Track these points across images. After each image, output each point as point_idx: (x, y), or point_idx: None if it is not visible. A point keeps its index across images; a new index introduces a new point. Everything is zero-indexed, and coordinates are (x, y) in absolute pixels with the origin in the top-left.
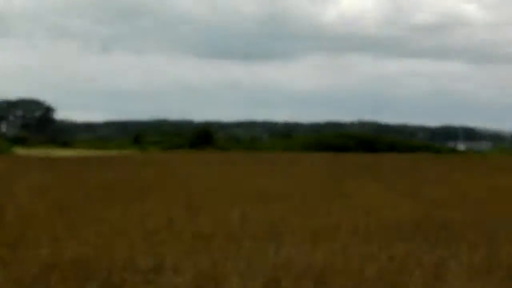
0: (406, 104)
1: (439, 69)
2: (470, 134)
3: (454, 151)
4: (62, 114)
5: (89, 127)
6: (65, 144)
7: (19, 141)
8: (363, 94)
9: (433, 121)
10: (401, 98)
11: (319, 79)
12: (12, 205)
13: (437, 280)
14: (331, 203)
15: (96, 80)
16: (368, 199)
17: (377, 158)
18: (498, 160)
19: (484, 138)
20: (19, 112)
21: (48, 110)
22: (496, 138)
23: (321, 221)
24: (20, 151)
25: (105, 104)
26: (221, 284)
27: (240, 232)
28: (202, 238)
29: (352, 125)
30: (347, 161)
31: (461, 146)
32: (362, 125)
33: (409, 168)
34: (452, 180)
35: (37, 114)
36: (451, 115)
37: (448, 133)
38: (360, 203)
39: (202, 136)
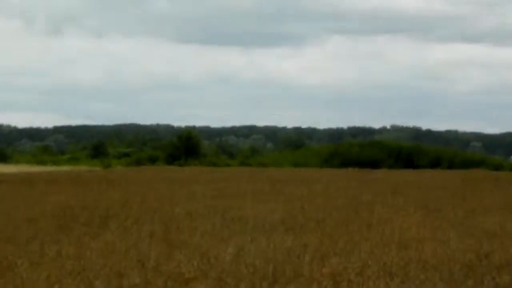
0: (456, 104)
1: (501, 56)
2: None
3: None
4: None
5: (33, 135)
6: (1, 157)
7: None
8: (397, 91)
9: (492, 127)
10: (448, 96)
11: (340, 70)
12: None
13: None
14: (356, 236)
15: (43, 72)
16: (404, 230)
17: (416, 176)
18: None
19: None
20: None
21: None
22: None
23: (341, 261)
24: None
25: (54, 104)
26: None
27: (233, 276)
28: (182, 283)
29: (383, 131)
30: (377, 179)
31: None
32: (397, 131)
33: (459, 190)
34: None
35: None
36: None
37: None
38: (394, 236)
39: (183, 147)
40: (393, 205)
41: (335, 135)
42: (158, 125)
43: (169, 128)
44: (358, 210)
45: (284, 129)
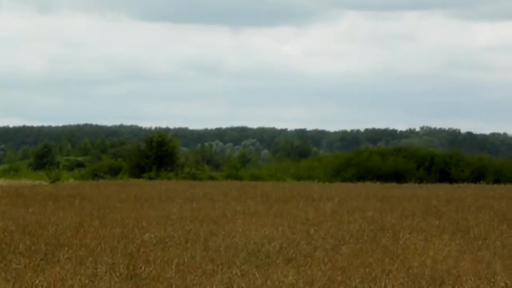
0: (505, 100)
1: None
2: None
3: None
4: None
5: None
6: None
7: None
8: (430, 83)
9: None
10: (496, 90)
11: (356, 57)
12: None
13: None
14: (376, 270)
15: None
16: (437, 263)
17: (453, 192)
18: None
19: None
20: None
21: None
22: None
23: None
24: None
25: None
26: None
27: None
28: None
29: (411, 135)
30: (403, 197)
31: None
32: (429, 135)
33: (509, 211)
34: None
35: None
36: None
37: None
38: (425, 270)
39: (154, 154)
40: (423, 230)
41: (350, 139)
42: (120, 126)
43: (135, 130)
44: (378, 236)
45: (284, 132)
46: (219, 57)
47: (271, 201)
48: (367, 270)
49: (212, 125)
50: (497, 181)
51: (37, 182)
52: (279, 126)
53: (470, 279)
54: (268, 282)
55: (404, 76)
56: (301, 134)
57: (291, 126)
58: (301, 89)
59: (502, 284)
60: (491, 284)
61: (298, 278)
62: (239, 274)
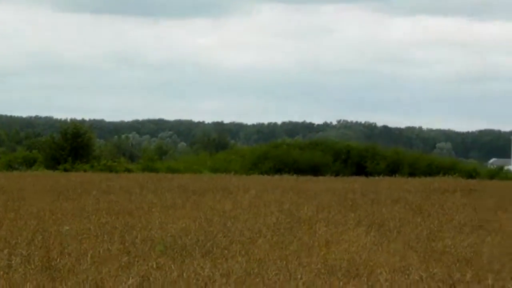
0: (420, 94)
1: (481, 33)
2: None
3: (499, 175)
4: None
5: None
6: None
7: None
8: (347, 77)
9: (465, 124)
10: (411, 85)
11: (273, 49)
12: None
13: None
14: (292, 262)
15: None
16: (353, 255)
17: (369, 185)
18: None
19: None
20: None
21: None
22: None
23: None
24: None
25: None
26: None
27: None
28: None
29: (327, 128)
30: (319, 189)
31: None
32: (345, 128)
33: (423, 204)
34: (491, 225)
35: None
36: (497, 115)
37: (492, 144)
38: (341, 263)
39: (69, 146)
40: (339, 223)
41: (267, 132)
42: (35, 118)
43: (50, 122)
44: (295, 228)
45: (200, 124)
46: (136, 49)
47: (188, 193)
48: (284, 262)
49: (128, 117)
50: (412, 174)
51: None
52: (196, 118)
53: (385, 271)
54: (184, 274)
55: (321, 70)
56: (219, 126)
57: (208, 118)
58: (219, 82)
59: (417, 276)
60: (406, 276)
61: (214, 271)
62: (155, 266)
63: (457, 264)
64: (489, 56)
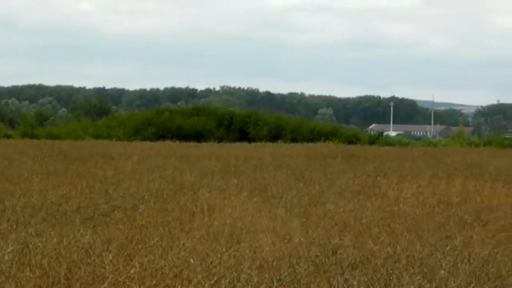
0: (303, 60)
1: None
2: (408, 112)
3: (379, 140)
4: None
5: None
6: None
7: None
8: (229, 43)
9: (346, 90)
10: (294, 51)
11: (155, 15)
12: None
13: None
14: (175, 228)
15: None
16: (236, 221)
17: (252, 151)
18: (448, 157)
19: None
20: None
21: None
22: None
23: (155, 260)
24: None
25: None
26: None
27: (15, 281)
28: None
29: (210, 94)
30: (202, 155)
31: (391, 133)
32: (228, 94)
33: (305, 169)
34: (381, 191)
35: None
36: (377, 82)
37: (372, 110)
38: (223, 228)
39: None
40: (222, 189)
41: (149, 98)
42: None
43: None
44: (178, 195)
45: (82, 90)
46: (15, 13)
47: (69, 160)
48: (166, 228)
49: (7, 82)
50: (294, 140)
51: None
52: (77, 84)
53: (267, 236)
54: (64, 241)
55: (204, 36)
56: (100, 92)
57: (89, 84)
58: (100, 47)
59: (297, 240)
60: (286, 240)
61: (95, 238)
62: (34, 233)
63: (337, 229)
64: (370, 23)
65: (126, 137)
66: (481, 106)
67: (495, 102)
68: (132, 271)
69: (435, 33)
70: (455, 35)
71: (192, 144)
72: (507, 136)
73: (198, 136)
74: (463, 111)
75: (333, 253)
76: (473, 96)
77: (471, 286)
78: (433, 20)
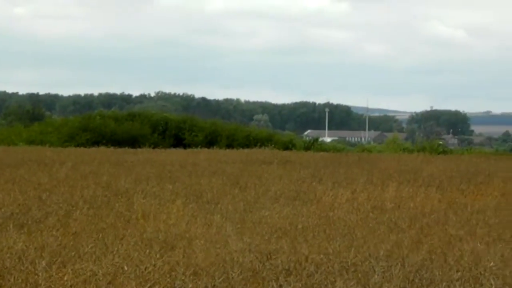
0: (239, 66)
1: (297, 7)
2: (343, 118)
3: (314, 146)
4: None
5: None
6: None
7: None
8: (164, 48)
9: (283, 96)
10: (230, 57)
11: (87, 19)
12: None
13: None
14: (109, 235)
15: None
16: (170, 227)
17: (187, 157)
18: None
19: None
20: None
21: None
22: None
23: (88, 266)
24: None
25: None
26: None
27: None
28: None
29: (145, 100)
30: (137, 161)
31: (327, 139)
32: (163, 100)
33: (240, 176)
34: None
35: None
36: (312, 88)
37: (307, 116)
38: (158, 235)
39: None
40: (157, 195)
41: (83, 104)
42: None
43: None
44: (112, 201)
45: (15, 95)
46: None
47: (2, 166)
48: (100, 235)
49: None
50: (229, 146)
51: None
52: (10, 89)
53: (202, 243)
54: None
55: (139, 41)
56: (34, 98)
57: (22, 89)
58: (33, 52)
59: (233, 246)
60: (222, 246)
61: (28, 244)
62: None
63: (274, 235)
64: (305, 29)
65: (60, 143)
66: (415, 112)
67: (429, 109)
68: (65, 278)
69: (370, 40)
70: (390, 42)
71: (127, 150)
72: (440, 142)
73: (133, 142)
74: (397, 117)
75: (268, 259)
76: (407, 103)
77: None
78: (367, 27)
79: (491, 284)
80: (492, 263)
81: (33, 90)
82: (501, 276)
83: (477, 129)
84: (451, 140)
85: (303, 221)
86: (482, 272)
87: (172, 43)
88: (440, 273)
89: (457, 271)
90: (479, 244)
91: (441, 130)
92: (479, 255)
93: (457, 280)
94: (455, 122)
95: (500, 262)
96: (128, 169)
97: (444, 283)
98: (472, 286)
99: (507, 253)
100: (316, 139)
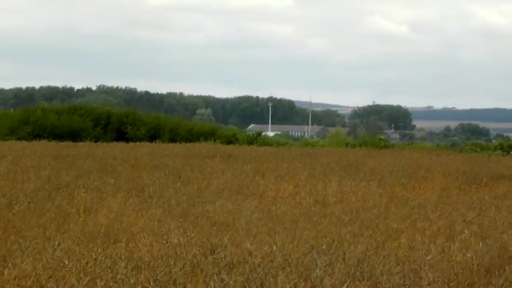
0: (183, 61)
1: (240, 2)
2: (286, 112)
3: (257, 140)
4: None
5: None
6: None
7: None
8: (106, 42)
9: (226, 90)
10: (174, 50)
11: (30, 12)
12: None
13: None
14: (50, 229)
15: None
16: (112, 221)
17: (129, 151)
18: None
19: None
20: None
21: None
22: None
23: (30, 261)
24: None
25: None
26: None
27: None
28: None
29: (87, 93)
30: (78, 155)
31: (270, 133)
32: (105, 93)
33: (183, 170)
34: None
35: None
36: (255, 82)
37: (251, 110)
38: (100, 229)
39: None
40: (99, 189)
41: (24, 97)
42: None
43: None
44: (53, 195)
45: None
46: None
47: None
48: (42, 229)
49: None
50: (172, 140)
51: None
52: None
53: (145, 237)
54: None
55: (81, 34)
56: None
57: None
58: None
59: (176, 240)
60: (165, 240)
61: None
62: None
63: (215, 228)
64: (248, 23)
65: (1, 136)
66: (357, 107)
67: (371, 103)
68: (6, 273)
69: (312, 34)
70: (333, 37)
71: (69, 143)
72: (382, 137)
73: (74, 136)
74: (340, 111)
75: (210, 253)
76: (349, 97)
77: (346, 285)
78: (309, 22)
79: (429, 277)
80: (430, 256)
81: None
82: (440, 270)
83: (418, 124)
84: (393, 135)
85: (246, 215)
86: (422, 266)
87: (115, 37)
88: (381, 266)
89: (397, 264)
90: (419, 238)
91: (383, 125)
92: (419, 249)
93: (397, 273)
94: (397, 117)
95: (439, 255)
96: (69, 163)
97: (384, 276)
98: (411, 279)
99: (446, 247)
100: (259, 134)
